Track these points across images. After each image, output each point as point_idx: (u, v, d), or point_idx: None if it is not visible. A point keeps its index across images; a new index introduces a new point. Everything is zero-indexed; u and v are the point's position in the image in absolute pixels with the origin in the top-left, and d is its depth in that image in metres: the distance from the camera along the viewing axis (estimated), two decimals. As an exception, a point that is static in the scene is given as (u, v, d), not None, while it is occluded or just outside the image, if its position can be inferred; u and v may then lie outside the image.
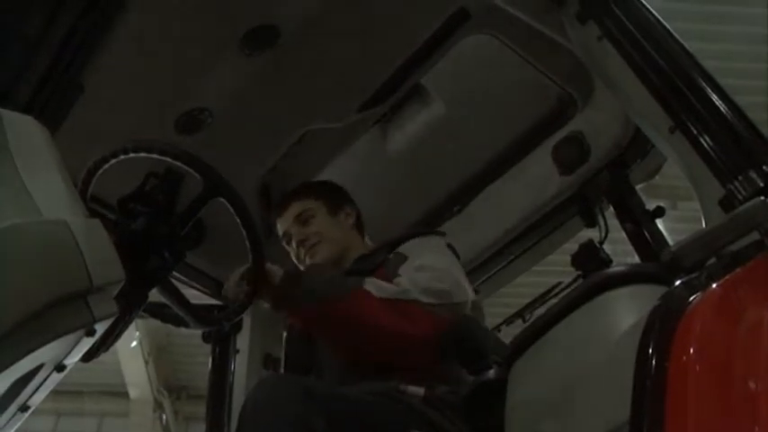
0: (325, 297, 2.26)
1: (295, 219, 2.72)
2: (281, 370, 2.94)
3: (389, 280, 2.41)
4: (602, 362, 1.30)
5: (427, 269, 2.38)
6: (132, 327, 1.93)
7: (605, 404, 1.22)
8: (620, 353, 1.24)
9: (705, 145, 1.72)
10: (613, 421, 1.15)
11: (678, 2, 5.81)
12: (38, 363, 1.43)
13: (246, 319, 3.10)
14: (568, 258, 2.14)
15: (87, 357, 1.65)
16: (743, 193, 1.58)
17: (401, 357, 2.25)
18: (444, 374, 2.26)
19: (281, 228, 2.77)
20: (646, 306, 1.27)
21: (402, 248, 2.56)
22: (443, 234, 2.71)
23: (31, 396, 1.57)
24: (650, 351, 1.13)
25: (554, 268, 3.18)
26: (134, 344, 10.62)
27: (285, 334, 2.89)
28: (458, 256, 2.66)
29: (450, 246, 2.64)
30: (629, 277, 1.47)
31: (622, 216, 2.77)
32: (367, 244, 2.80)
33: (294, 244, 2.70)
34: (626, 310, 1.38)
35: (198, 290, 3.13)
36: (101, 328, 1.50)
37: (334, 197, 2.81)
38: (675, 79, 1.82)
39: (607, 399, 1.22)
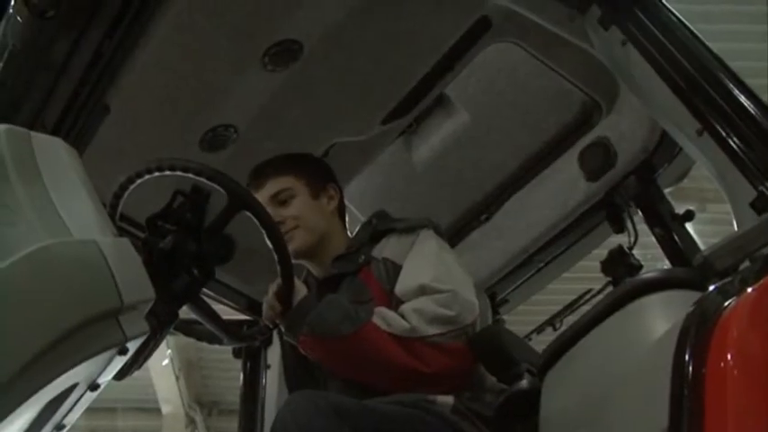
0: (332, 334, 2.20)
1: (271, 198, 2.50)
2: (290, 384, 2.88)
3: (379, 287, 2.35)
4: (637, 369, 1.29)
5: (429, 291, 2.26)
6: (163, 344, 1.94)
7: (642, 413, 1.21)
8: (656, 360, 1.23)
9: (734, 146, 1.69)
10: (651, 430, 1.14)
11: (679, 3, 5.78)
12: (72, 382, 1.44)
13: (277, 335, 3.11)
14: (598, 265, 2.13)
15: (120, 376, 1.66)
16: (775, 193, 1.56)
17: (416, 389, 2.18)
18: (472, 382, 2.24)
19: None
20: (680, 312, 1.25)
21: (388, 252, 2.43)
22: (427, 224, 2.50)
23: (65, 415, 1.58)
24: (687, 357, 1.12)
25: (584, 275, 3.16)
26: (165, 362, 10.67)
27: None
28: (443, 236, 2.54)
29: (437, 230, 2.50)
30: (662, 283, 1.45)
31: (651, 221, 2.74)
32: (346, 231, 2.67)
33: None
34: (660, 317, 1.37)
35: (228, 306, 3.13)
36: (132, 346, 1.50)
37: (318, 176, 2.62)
38: (701, 81, 1.81)
39: (644, 407, 1.21)
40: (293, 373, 2.66)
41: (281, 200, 2.51)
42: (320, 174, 2.64)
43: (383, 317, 2.24)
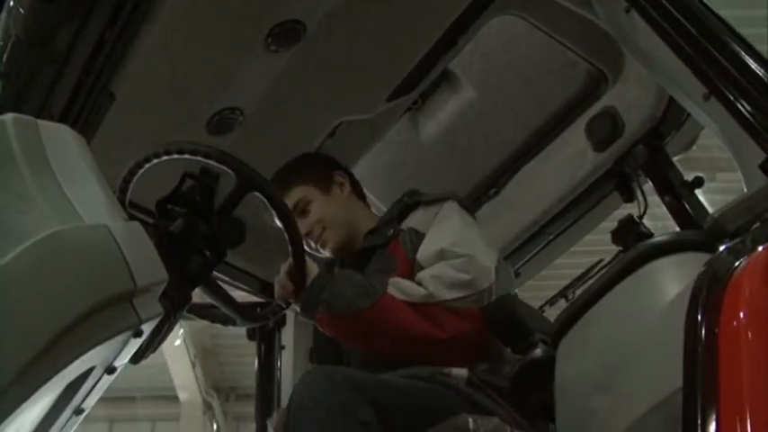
0: (349, 309, 2.22)
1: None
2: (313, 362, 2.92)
3: (403, 256, 2.39)
4: (650, 332, 1.29)
5: (448, 255, 2.30)
6: (176, 327, 1.95)
7: (656, 373, 1.21)
8: (669, 321, 1.23)
9: (742, 110, 1.69)
10: (666, 390, 1.14)
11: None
12: (89, 365, 1.45)
13: (290, 315, 3.12)
14: (606, 238, 2.12)
15: (136, 359, 1.67)
16: (784, 155, 1.55)
17: (434, 356, 2.22)
18: (485, 352, 2.25)
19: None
20: (691, 274, 1.25)
21: (413, 222, 2.50)
22: (452, 197, 2.57)
23: (84, 399, 1.59)
24: (699, 318, 1.12)
25: (594, 248, 3.16)
26: (178, 342, 10.71)
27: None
28: (471, 213, 2.61)
29: (461, 203, 2.56)
30: (673, 246, 1.45)
31: (661, 189, 2.74)
32: (370, 208, 2.76)
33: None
34: (671, 279, 1.37)
35: (241, 289, 3.15)
36: (147, 328, 1.51)
37: (320, 171, 2.69)
38: (706, 45, 1.79)
39: (658, 368, 1.21)
40: (323, 351, 2.66)
41: (300, 210, 2.57)
42: (321, 167, 2.69)
43: (398, 287, 2.27)
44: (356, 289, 2.25)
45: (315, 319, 2.28)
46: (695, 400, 1.06)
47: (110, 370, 1.58)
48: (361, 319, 2.22)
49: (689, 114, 2.61)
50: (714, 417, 1.04)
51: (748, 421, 1.01)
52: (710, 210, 2.70)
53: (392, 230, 2.51)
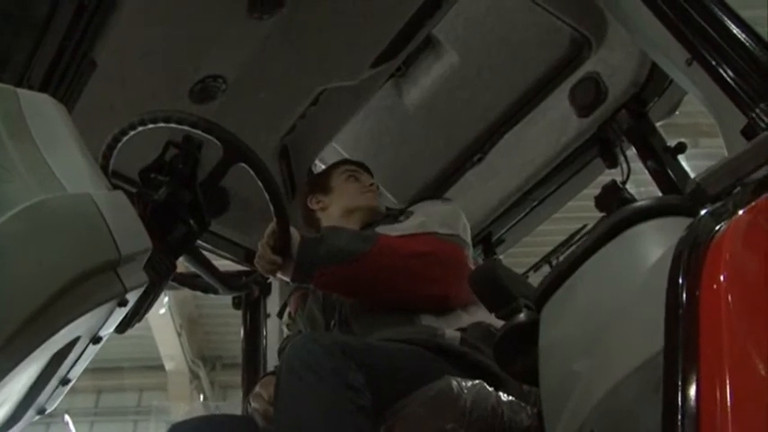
0: (352, 256, 2.25)
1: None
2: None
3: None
4: (632, 295, 1.30)
5: (438, 207, 2.51)
6: (161, 297, 1.95)
7: (638, 336, 1.22)
8: (651, 285, 1.24)
9: (724, 75, 1.69)
10: (647, 352, 1.15)
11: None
12: (74, 335, 1.45)
13: (275, 283, 3.13)
14: (590, 204, 2.13)
15: (121, 329, 1.67)
16: (765, 120, 1.55)
17: (434, 286, 2.27)
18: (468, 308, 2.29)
19: (357, 170, 2.83)
20: (673, 238, 1.26)
21: (412, 208, 2.62)
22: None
23: (70, 369, 1.59)
24: (680, 280, 1.13)
25: (577, 215, 3.18)
26: (162, 311, 10.74)
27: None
28: None
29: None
30: (655, 210, 1.46)
31: (644, 154, 2.75)
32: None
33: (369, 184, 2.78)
34: (654, 243, 1.38)
35: (225, 258, 3.15)
36: (132, 297, 1.51)
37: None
38: (689, 9, 1.79)
39: (640, 331, 1.22)
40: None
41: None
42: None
43: (390, 228, 2.40)
44: (350, 239, 2.31)
45: (312, 278, 2.28)
46: (676, 361, 1.08)
47: (95, 340, 1.58)
48: (364, 264, 2.25)
49: (672, 80, 2.62)
50: (695, 378, 1.05)
51: (728, 382, 1.02)
52: (693, 176, 2.72)
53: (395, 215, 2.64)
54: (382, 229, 2.42)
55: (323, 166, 3.15)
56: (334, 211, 2.73)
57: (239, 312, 3.28)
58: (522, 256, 3.64)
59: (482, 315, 2.17)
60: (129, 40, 2.38)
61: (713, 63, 1.71)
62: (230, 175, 2.09)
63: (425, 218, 2.42)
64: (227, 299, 3.04)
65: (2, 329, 1.23)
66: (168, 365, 12.47)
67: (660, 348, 1.12)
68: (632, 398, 1.18)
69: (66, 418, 12.27)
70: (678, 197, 1.52)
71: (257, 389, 2.37)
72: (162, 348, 12.02)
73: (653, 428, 1.07)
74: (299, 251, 2.25)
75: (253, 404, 2.33)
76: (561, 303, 1.52)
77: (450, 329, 2.19)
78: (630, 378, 1.20)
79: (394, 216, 2.60)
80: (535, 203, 3.19)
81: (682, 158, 2.74)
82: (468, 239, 2.51)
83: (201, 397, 12.90)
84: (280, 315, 2.92)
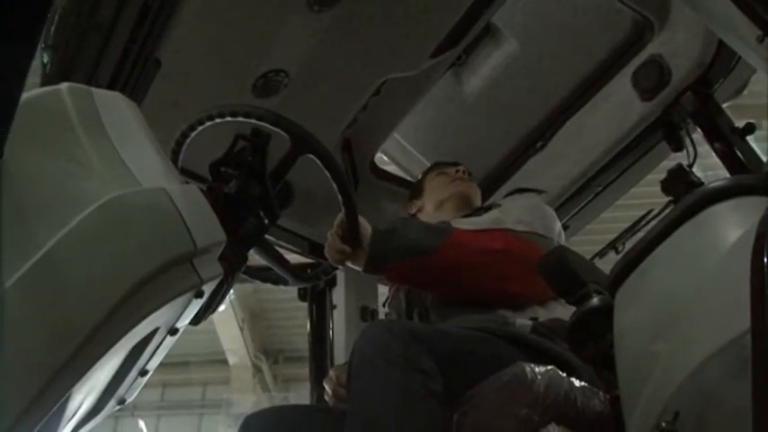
0: (427, 249, 2.24)
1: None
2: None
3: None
4: (712, 275, 1.28)
5: (517, 203, 2.46)
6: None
7: (721, 316, 1.20)
8: (732, 265, 1.22)
9: (798, 51, 1.65)
10: (732, 332, 1.14)
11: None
12: (153, 327, 1.48)
13: (340, 274, 3.15)
14: (650, 190, 2.10)
15: (196, 320, 1.70)
16: (839, 97, 1.52)
17: (507, 283, 2.26)
18: (546, 304, 2.27)
19: (447, 166, 2.85)
20: (751, 217, 1.24)
21: (500, 201, 2.64)
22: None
23: (148, 360, 1.63)
24: (766, 259, 1.11)
25: (638, 201, 3.14)
26: (222, 307, 10.90)
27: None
28: None
29: None
30: (730, 190, 1.43)
31: (711, 136, 2.69)
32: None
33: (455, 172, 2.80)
34: (732, 223, 1.35)
35: (290, 250, 3.18)
36: (208, 289, 1.54)
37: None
38: None
39: (723, 311, 1.20)
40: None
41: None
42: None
43: (465, 221, 2.38)
44: (423, 232, 2.30)
45: (385, 270, 2.29)
46: (765, 340, 1.06)
47: (172, 331, 1.61)
48: (433, 259, 2.24)
49: (739, 59, 2.57)
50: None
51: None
52: (763, 157, 2.66)
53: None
54: (458, 223, 2.41)
55: (384, 158, 3.16)
56: (428, 207, 2.77)
57: (301, 306, 3.32)
58: (588, 244, 3.60)
59: (560, 311, 2.16)
60: (192, 38, 2.42)
61: (786, 39, 1.67)
62: (294, 168, 2.11)
63: (501, 214, 2.41)
64: (287, 293, 3.08)
65: (85, 323, 1.26)
66: (231, 359, 12.64)
67: (746, 328, 1.11)
68: (717, 378, 1.16)
69: (141, 424, 12.58)
70: (753, 176, 1.49)
71: (330, 373, 2.40)
72: (225, 343, 12.18)
73: (741, 408, 1.06)
74: (371, 244, 2.26)
75: (325, 386, 2.36)
76: (636, 287, 1.50)
77: (522, 319, 2.18)
78: (714, 358, 1.18)
79: (485, 209, 2.60)
80: (599, 190, 3.15)
81: (750, 140, 2.68)
82: (551, 233, 2.44)
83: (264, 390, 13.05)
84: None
